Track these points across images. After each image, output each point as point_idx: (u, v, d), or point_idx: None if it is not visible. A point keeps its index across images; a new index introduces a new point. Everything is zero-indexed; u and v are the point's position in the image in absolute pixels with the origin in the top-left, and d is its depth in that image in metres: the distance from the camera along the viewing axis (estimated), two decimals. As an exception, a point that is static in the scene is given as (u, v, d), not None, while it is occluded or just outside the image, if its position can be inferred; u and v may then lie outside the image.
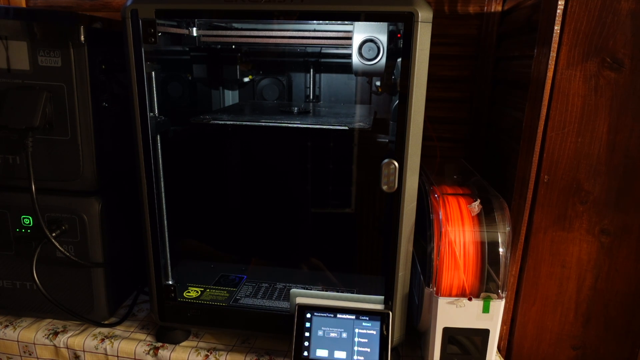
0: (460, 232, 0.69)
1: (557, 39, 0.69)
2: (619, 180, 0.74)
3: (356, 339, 0.73)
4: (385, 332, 0.73)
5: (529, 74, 0.75)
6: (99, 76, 0.77)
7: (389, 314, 0.73)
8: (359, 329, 0.74)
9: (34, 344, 0.82)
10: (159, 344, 0.81)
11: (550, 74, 0.71)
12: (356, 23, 0.72)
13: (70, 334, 0.82)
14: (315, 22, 0.79)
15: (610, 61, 0.69)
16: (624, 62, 0.69)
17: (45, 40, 0.72)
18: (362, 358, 0.72)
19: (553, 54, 0.70)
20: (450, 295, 0.70)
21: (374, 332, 0.73)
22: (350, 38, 0.74)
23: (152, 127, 0.72)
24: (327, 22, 0.78)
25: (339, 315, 0.74)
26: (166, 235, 0.79)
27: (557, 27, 0.69)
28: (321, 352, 0.72)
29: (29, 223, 0.80)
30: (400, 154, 0.68)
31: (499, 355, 0.82)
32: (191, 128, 0.84)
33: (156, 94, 0.73)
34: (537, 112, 0.73)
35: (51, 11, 0.88)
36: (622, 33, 0.68)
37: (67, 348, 0.81)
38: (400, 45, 0.65)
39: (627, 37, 0.68)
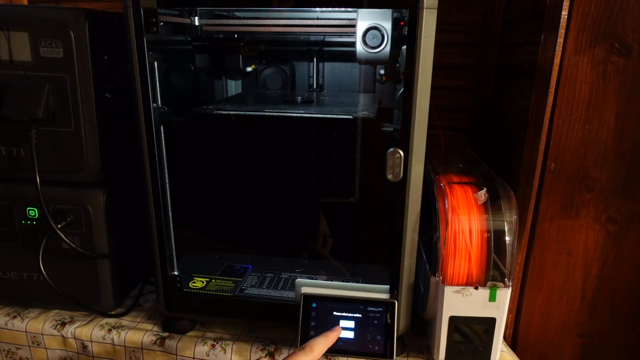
0: (466, 221, 0.69)
1: (565, 24, 0.68)
2: (627, 167, 0.73)
3: (362, 328, 0.73)
4: (390, 321, 0.73)
5: (536, 60, 0.74)
6: (101, 67, 0.76)
7: (394, 303, 0.73)
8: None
9: (42, 334, 0.83)
10: (166, 334, 0.81)
11: (557, 60, 0.70)
12: (360, 10, 0.71)
13: (77, 325, 0.83)
14: (318, 9, 0.78)
15: (618, 47, 0.68)
16: (633, 47, 0.68)
17: (47, 32, 0.72)
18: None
19: (560, 40, 0.69)
20: (456, 284, 0.69)
21: (380, 322, 0.73)
22: (354, 26, 0.73)
23: (156, 117, 0.72)
24: (330, 9, 0.77)
25: (344, 305, 0.74)
26: (171, 226, 0.79)
27: (564, 12, 0.68)
28: (327, 341, 0.73)
29: (35, 215, 0.80)
30: (405, 142, 0.67)
31: (505, 343, 0.82)
32: (195, 118, 0.84)
33: (159, 84, 0.72)
34: (543, 99, 0.72)
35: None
36: (631, 17, 0.66)
37: (75, 338, 0.82)
38: (405, 33, 0.64)
39: (637, 22, 0.66)
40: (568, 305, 0.81)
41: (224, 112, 0.80)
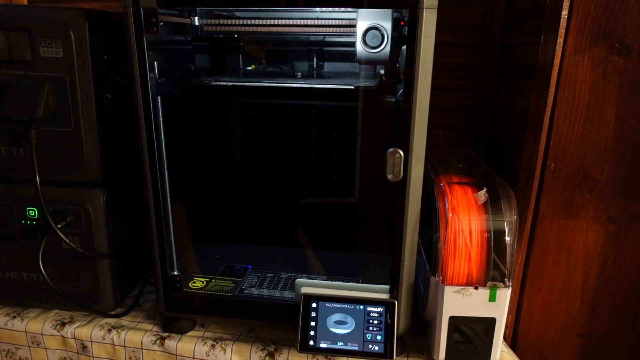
0: (466, 221, 0.69)
1: (565, 24, 0.68)
2: (627, 167, 0.73)
3: (362, 328, 0.73)
4: (390, 321, 0.73)
5: (536, 60, 0.74)
6: (101, 67, 0.76)
7: (394, 303, 0.73)
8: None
9: (42, 334, 0.83)
10: (166, 334, 0.81)
11: (557, 60, 0.70)
12: (360, 10, 0.71)
13: (77, 325, 0.83)
14: (318, 9, 0.78)
15: (618, 47, 0.68)
16: (633, 47, 0.68)
17: (47, 32, 0.72)
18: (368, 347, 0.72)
19: (560, 40, 0.69)
20: (456, 284, 0.69)
21: (380, 322, 0.73)
22: (353, 26, 0.73)
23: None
24: (330, 9, 0.77)
25: (344, 305, 0.74)
26: (171, 226, 0.79)
27: (564, 13, 0.68)
28: (327, 342, 0.73)
29: (34, 215, 0.80)
30: (405, 142, 0.67)
31: (505, 343, 0.82)
32: (195, 118, 0.84)
33: (159, 84, 0.73)
34: (543, 100, 0.72)
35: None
36: (632, 17, 0.66)
37: (75, 338, 0.82)
38: (405, 33, 0.64)
39: (637, 22, 0.66)
40: (568, 305, 0.81)
41: (222, 83, 0.79)
